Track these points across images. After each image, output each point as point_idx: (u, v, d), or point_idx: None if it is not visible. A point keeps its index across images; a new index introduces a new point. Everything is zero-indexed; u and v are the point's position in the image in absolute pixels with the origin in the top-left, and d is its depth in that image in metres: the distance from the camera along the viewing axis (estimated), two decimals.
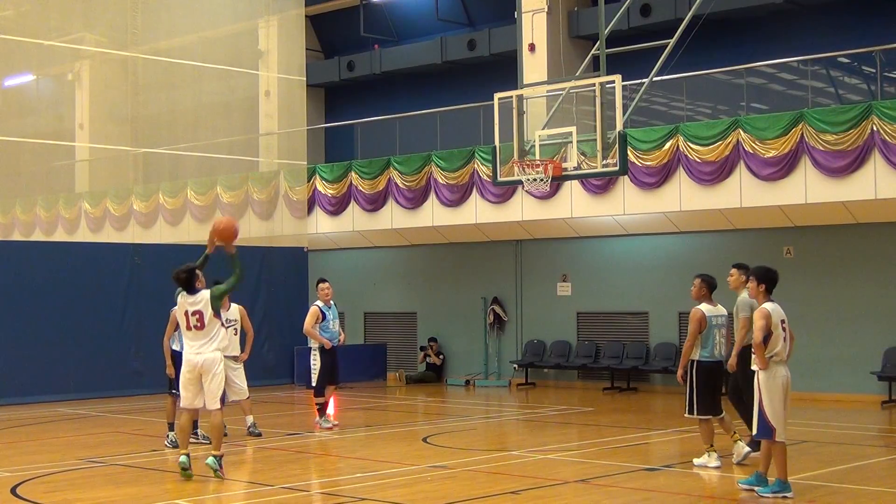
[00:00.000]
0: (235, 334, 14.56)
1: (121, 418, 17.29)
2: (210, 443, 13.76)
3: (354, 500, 10.17)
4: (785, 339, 10.25)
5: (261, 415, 15.69)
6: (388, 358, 24.12)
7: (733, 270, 12.64)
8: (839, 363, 18.61)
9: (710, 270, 19.90)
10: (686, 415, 11.84)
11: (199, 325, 11.31)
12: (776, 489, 10.00)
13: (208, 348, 11.32)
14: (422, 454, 13.01)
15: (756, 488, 10.15)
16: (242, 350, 14.65)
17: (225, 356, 14.33)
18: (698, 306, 11.78)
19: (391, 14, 26.66)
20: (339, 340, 15.48)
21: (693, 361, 11.67)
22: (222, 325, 11.57)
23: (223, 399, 11.58)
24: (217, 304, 11.41)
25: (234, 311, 14.65)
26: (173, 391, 13.61)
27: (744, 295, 12.11)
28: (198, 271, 11.64)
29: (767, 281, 10.50)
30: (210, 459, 11.20)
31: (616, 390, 20.55)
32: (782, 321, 10.28)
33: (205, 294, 11.40)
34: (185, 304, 11.43)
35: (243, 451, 13.53)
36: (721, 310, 11.89)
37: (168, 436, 13.75)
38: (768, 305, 10.29)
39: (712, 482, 11.15)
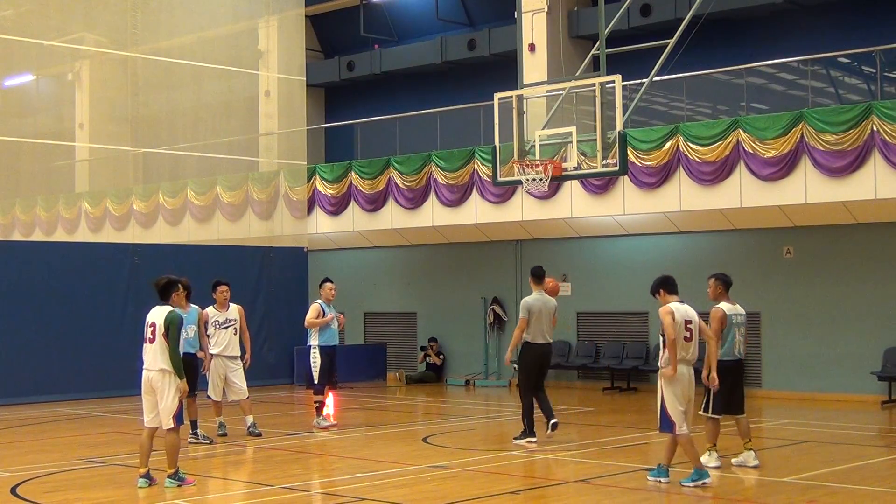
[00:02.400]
0: (235, 334, 14.55)
1: (121, 418, 17.28)
2: (209, 442, 13.83)
3: (354, 500, 10.17)
4: (688, 339, 10.64)
5: (261, 415, 15.69)
6: (388, 358, 24.12)
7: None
8: (839, 363, 18.61)
9: (710, 270, 19.93)
10: (700, 412, 11.79)
11: (151, 337, 10.88)
12: (695, 478, 10.50)
13: (153, 366, 10.86)
14: (422, 454, 13.01)
15: (661, 479, 10.63)
16: (242, 350, 14.65)
17: (224, 356, 14.41)
18: (718, 305, 11.76)
19: (391, 14, 26.67)
20: (339, 321, 15.42)
21: None
22: (169, 349, 10.84)
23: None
24: (170, 332, 10.82)
25: (234, 310, 14.63)
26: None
27: (527, 298, 13.83)
28: (183, 288, 11.34)
29: (665, 284, 11.00)
30: (167, 482, 10.82)
31: (616, 390, 20.54)
32: (687, 322, 10.67)
33: (165, 311, 10.92)
34: (150, 314, 11.02)
35: (243, 451, 13.53)
36: (740, 308, 11.89)
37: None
38: (672, 305, 10.71)
39: (712, 482, 11.13)
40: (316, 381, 15.21)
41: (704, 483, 10.51)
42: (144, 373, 10.97)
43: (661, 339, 10.75)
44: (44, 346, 19.74)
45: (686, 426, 10.60)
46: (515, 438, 13.74)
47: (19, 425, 16.58)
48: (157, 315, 10.93)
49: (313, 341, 15.26)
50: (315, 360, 15.20)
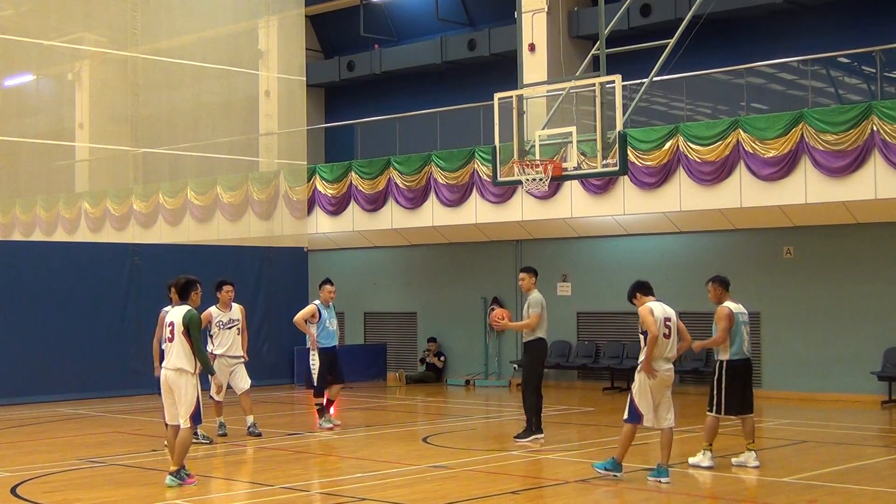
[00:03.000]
0: (238, 334, 14.56)
1: (121, 418, 17.29)
2: (209, 442, 13.83)
3: (354, 500, 10.17)
4: (667, 335, 10.91)
5: (261, 415, 15.69)
6: (388, 358, 24.11)
7: (523, 274, 14.10)
8: (839, 363, 18.61)
9: (709, 270, 19.86)
10: (708, 411, 11.79)
11: (170, 336, 11.02)
12: (608, 466, 10.96)
13: (170, 364, 10.99)
14: (422, 454, 13.02)
15: (661, 479, 10.78)
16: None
17: (228, 356, 14.40)
18: (724, 304, 11.77)
19: (391, 14, 26.67)
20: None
21: (722, 361, 11.66)
22: (192, 349, 10.96)
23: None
24: (191, 330, 10.97)
25: (236, 310, 14.64)
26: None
27: (538, 294, 13.82)
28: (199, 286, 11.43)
29: (640, 288, 11.28)
30: (168, 479, 10.87)
31: (616, 390, 20.54)
32: (666, 319, 10.95)
33: (184, 310, 11.03)
34: (170, 313, 11.17)
35: (243, 451, 13.53)
36: (743, 307, 11.92)
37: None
38: (651, 304, 11.02)
39: (713, 482, 11.15)
40: (315, 384, 15.21)
41: (615, 476, 10.86)
42: (162, 371, 11.13)
43: (640, 336, 10.96)
44: (44, 346, 19.74)
45: (652, 421, 10.86)
46: (518, 437, 13.73)
47: (19, 425, 16.58)
48: (176, 314, 11.06)
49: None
50: (314, 362, 15.18)
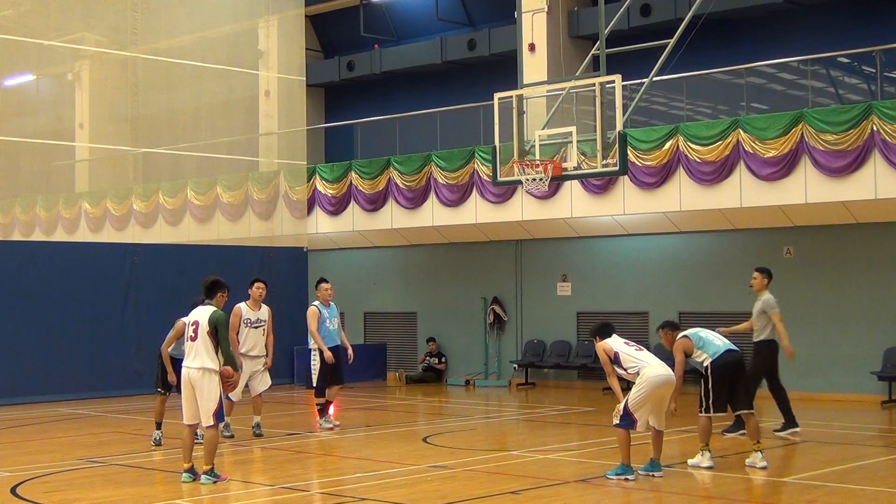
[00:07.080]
0: (263, 334, 14.50)
1: (121, 418, 17.29)
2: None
3: (354, 500, 10.17)
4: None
5: (261, 415, 15.68)
6: (388, 358, 24.11)
7: (756, 274, 14.40)
8: (839, 363, 18.60)
9: (709, 270, 19.96)
10: (699, 413, 11.78)
11: (193, 335, 11.02)
12: (619, 472, 10.96)
13: (193, 363, 10.97)
14: (422, 454, 13.01)
15: (654, 473, 11.05)
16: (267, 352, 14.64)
17: (251, 355, 14.32)
18: (678, 338, 11.82)
19: (391, 14, 26.67)
20: (349, 354, 15.39)
21: (707, 365, 11.63)
22: (215, 347, 10.97)
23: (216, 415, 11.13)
24: (219, 329, 11.00)
25: (265, 311, 14.55)
26: (159, 389, 13.80)
27: (767, 294, 14.26)
28: (225, 290, 11.44)
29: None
30: (203, 478, 10.94)
31: None
32: None
33: (210, 310, 11.07)
34: (194, 313, 11.23)
35: (243, 451, 13.52)
36: (699, 329, 12.05)
37: (153, 435, 13.79)
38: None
39: (713, 483, 11.14)
40: (315, 384, 15.20)
41: (627, 479, 10.86)
42: (184, 370, 11.09)
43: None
44: (44, 346, 19.75)
45: (644, 427, 11.00)
46: (776, 430, 13.96)
47: (19, 425, 16.58)
48: (202, 314, 11.07)
49: (312, 344, 15.24)
50: (315, 363, 15.17)
